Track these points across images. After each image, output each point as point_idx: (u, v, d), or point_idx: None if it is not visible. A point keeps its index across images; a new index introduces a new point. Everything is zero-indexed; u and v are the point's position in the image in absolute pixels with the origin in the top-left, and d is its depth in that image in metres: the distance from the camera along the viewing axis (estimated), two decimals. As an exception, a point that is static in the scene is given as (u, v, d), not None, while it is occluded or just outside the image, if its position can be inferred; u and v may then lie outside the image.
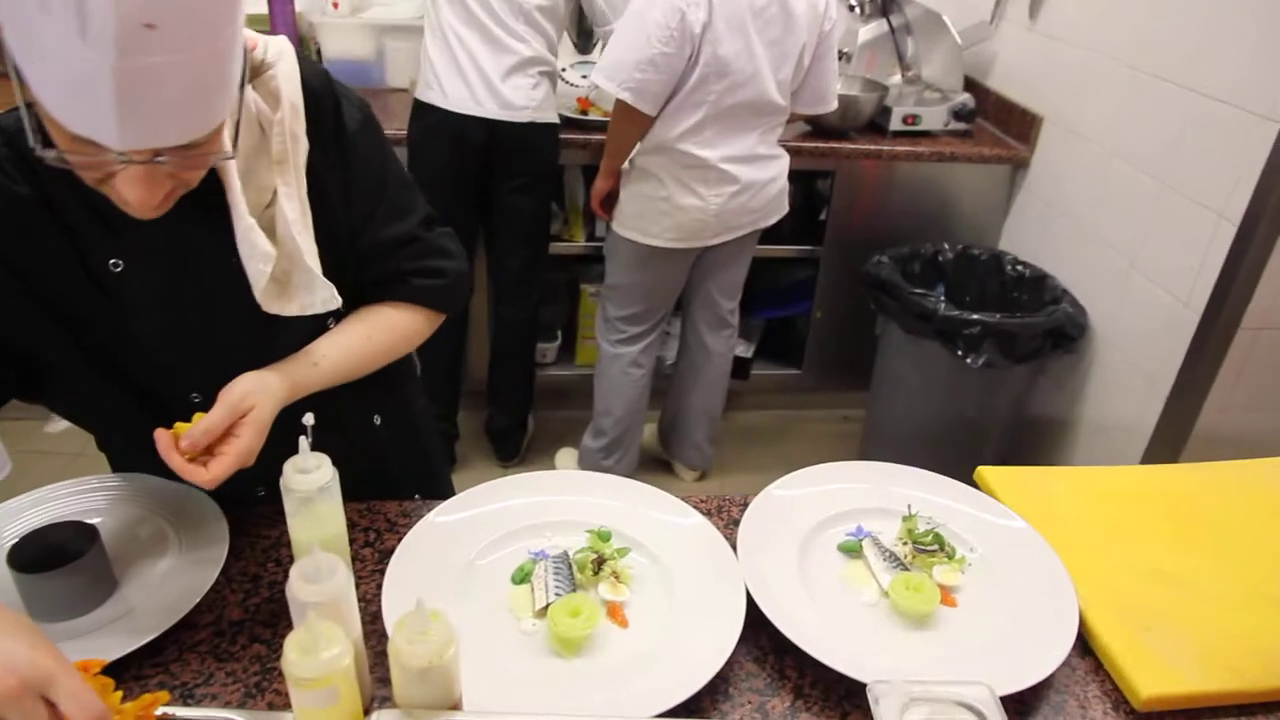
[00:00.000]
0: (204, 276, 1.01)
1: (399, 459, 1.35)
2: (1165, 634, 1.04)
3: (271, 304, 1.00)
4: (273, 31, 2.98)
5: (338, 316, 1.13)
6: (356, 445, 1.17)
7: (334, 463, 0.96)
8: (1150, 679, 0.98)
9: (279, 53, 0.99)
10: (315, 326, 1.09)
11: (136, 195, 0.83)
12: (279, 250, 0.99)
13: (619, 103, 2.23)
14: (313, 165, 1.02)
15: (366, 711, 0.87)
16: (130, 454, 1.13)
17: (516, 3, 2.36)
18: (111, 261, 0.97)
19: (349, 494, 1.00)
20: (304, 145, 1.01)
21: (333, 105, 1.05)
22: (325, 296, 1.03)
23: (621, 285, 2.60)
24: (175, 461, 0.92)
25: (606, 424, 2.73)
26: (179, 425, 0.93)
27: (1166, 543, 1.20)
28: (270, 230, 0.99)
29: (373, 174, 1.12)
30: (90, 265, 0.97)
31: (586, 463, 2.81)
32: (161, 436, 0.92)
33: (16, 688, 0.71)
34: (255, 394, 0.97)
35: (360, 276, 1.14)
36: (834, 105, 2.44)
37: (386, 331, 1.16)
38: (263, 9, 2.98)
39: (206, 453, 0.94)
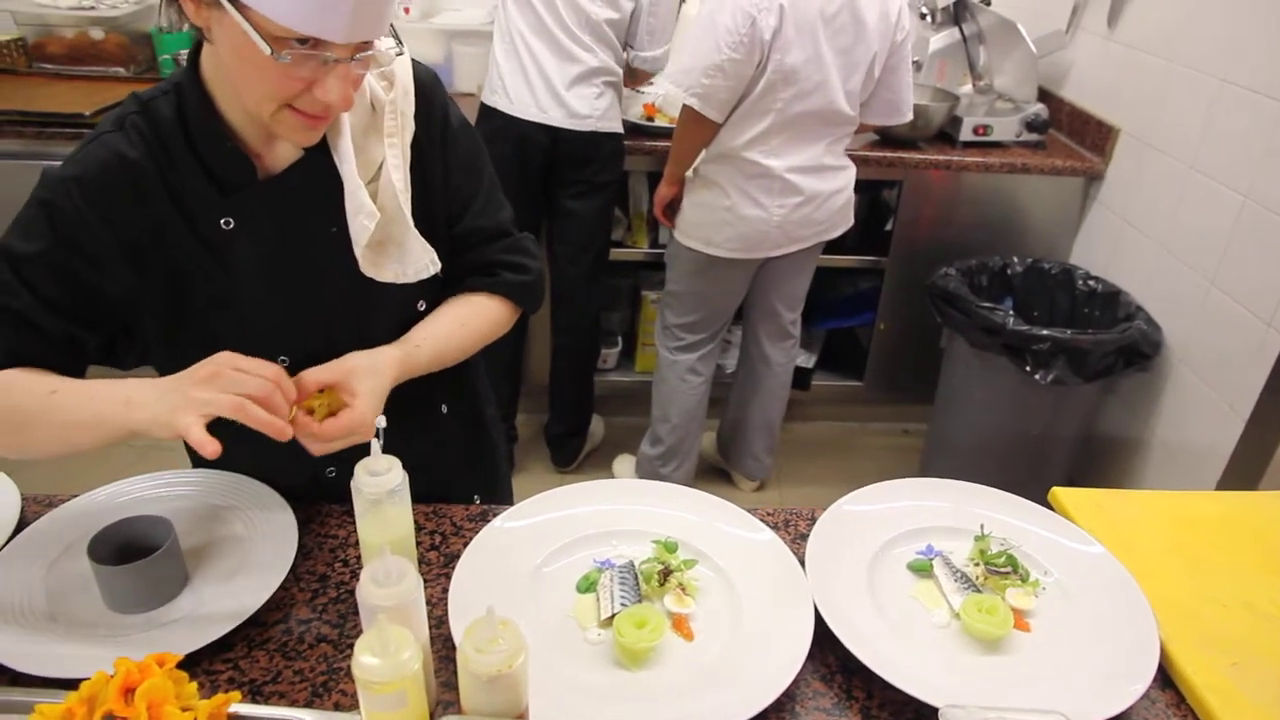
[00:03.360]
0: (306, 242, 1.07)
1: (462, 449, 1.36)
2: (1254, 670, 1.00)
3: (368, 267, 1.08)
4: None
5: (429, 304, 1.17)
6: (421, 431, 1.23)
7: (396, 448, 0.98)
8: (1239, 717, 0.94)
9: (395, 49, 1.08)
10: (406, 304, 1.16)
11: (343, 91, 0.93)
12: (381, 216, 1.06)
13: (685, 109, 2.22)
14: (417, 147, 1.11)
15: (432, 716, 0.87)
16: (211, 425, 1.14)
17: (585, 14, 2.37)
18: (223, 220, 1.04)
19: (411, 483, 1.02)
20: (411, 126, 1.10)
21: (441, 99, 1.15)
22: (420, 265, 1.11)
23: (681, 293, 2.59)
24: (291, 415, 0.96)
25: (663, 431, 2.72)
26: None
27: (1253, 574, 1.15)
28: (373, 200, 1.07)
29: (473, 166, 1.20)
30: (200, 227, 1.04)
31: (643, 470, 2.80)
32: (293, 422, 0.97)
33: (216, 368, 0.90)
34: (368, 368, 1.02)
35: (454, 263, 1.19)
36: (909, 116, 2.40)
37: (479, 319, 1.21)
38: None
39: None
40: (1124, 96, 2.71)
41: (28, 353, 1.02)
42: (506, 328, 1.26)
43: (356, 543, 1.13)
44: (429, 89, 1.13)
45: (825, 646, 1.00)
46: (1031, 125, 2.85)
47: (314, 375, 1.01)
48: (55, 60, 3.01)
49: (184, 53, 2.99)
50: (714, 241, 2.40)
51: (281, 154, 1.06)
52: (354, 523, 1.05)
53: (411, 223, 1.10)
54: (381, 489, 0.98)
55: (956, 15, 2.98)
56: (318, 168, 1.05)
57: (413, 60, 1.12)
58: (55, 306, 1.01)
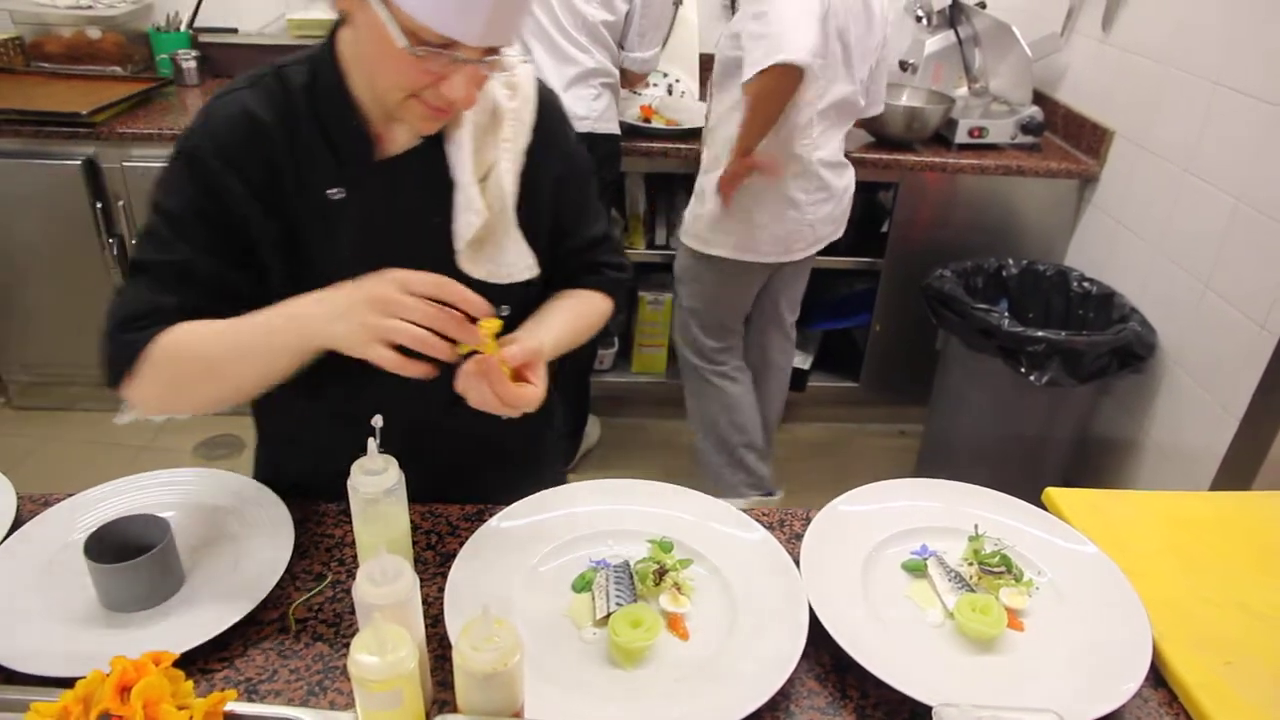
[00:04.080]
0: (408, 226, 1.11)
1: (532, 438, 1.35)
2: (1248, 669, 1.01)
3: (466, 263, 1.11)
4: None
5: (513, 310, 1.17)
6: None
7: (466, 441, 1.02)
8: (1231, 715, 0.94)
9: (520, 58, 1.13)
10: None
11: (468, 90, 0.98)
12: (487, 215, 1.10)
13: (766, 79, 2.04)
14: (530, 155, 1.15)
15: (427, 715, 0.87)
16: (281, 402, 1.15)
17: (582, 16, 2.38)
18: (334, 190, 1.07)
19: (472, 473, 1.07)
20: (528, 135, 1.15)
21: (559, 115, 1.21)
22: (516, 268, 1.14)
23: (706, 308, 2.51)
24: (490, 370, 0.98)
25: (740, 441, 2.62)
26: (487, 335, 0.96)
27: (1246, 574, 1.16)
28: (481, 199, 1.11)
29: (587, 180, 1.28)
30: (312, 192, 1.07)
31: (749, 488, 2.68)
32: (480, 361, 0.98)
33: (387, 289, 0.91)
34: (538, 348, 1.04)
35: (562, 267, 1.24)
36: (882, 108, 2.44)
37: (591, 315, 1.26)
38: (333, 14, 3.02)
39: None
40: (1118, 99, 2.72)
41: (193, 304, 1.03)
42: (603, 325, 1.30)
43: (353, 542, 1.13)
44: (551, 104, 1.19)
45: (820, 645, 1.00)
46: (1026, 128, 2.86)
47: (521, 352, 1.02)
48: (53, 59, 3.01)
49: (181, 52, 3.01)
50: (750, 246, 2.35)
51: (399, 138, 1.10)
52: (350, 522, 1.05)
53: (515, 226, 1.14)
54: (378, 488, 0.98)
55: (952, 18, 2.99)
56: (431, 158, 1.09)
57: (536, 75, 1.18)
58: (211, 250, 1.05)
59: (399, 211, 1.10)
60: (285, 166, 1.05)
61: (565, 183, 1.21)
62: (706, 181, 2.36)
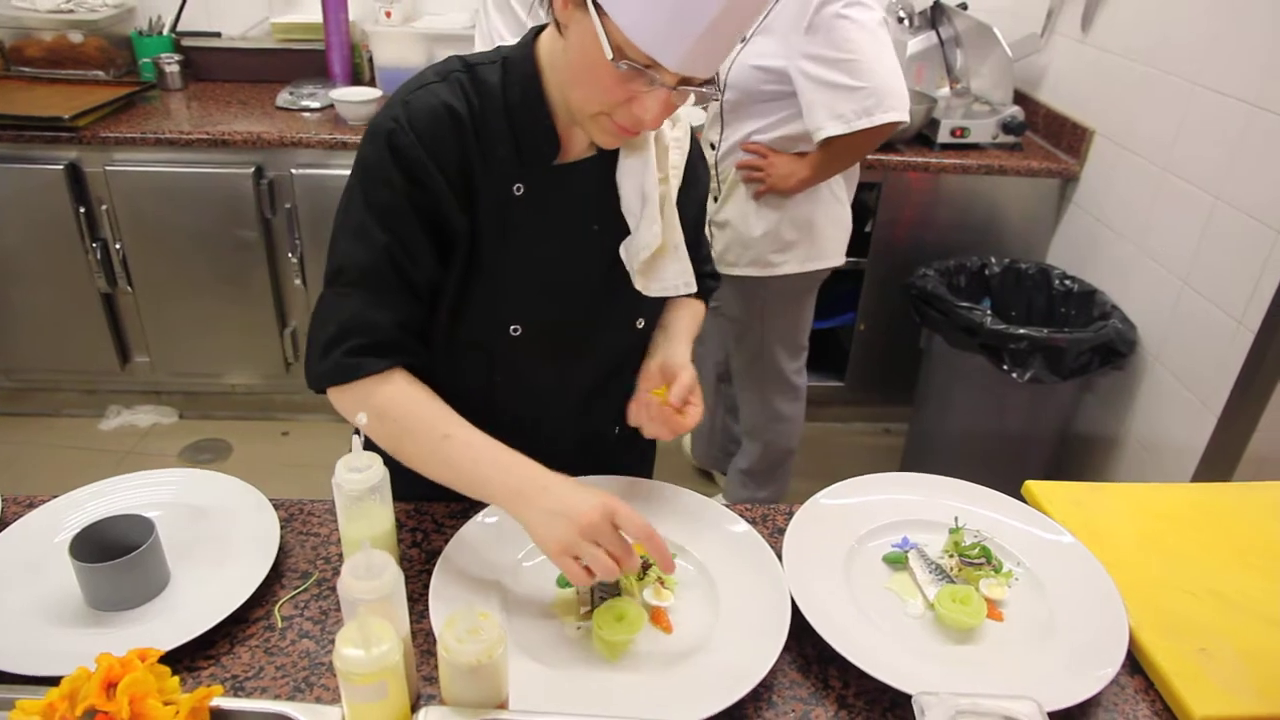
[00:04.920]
0: (572, 230, 1.15)
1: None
2: (1221, 656, 1.02)
3: (638, 279, 1.17)
4: (326, 39, 3.03)
5: (646, 322, 1.26)
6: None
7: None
8: (1205, 700, 0.96)
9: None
10: (630, 315, 1.24)
11: (655, 115, 1.01)
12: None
13: (869, 135, 2.02)
14: (684, 177, 1.23)
15: (414, 708, 0.88)
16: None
17: None
18: (515, 185, 1.10)
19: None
20: (683, 162, 1.21)
21: (695, 140, 1.26)
22: (670, 285, 1.20)
23: (793, 327, 2.41)
24: (666, 415, 1.14)
25: (785, 458, 2.64)
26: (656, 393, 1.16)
27: (1222, 563, 1.18)
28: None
29: (705, 197, 1.34)
30: (496, 187, 1.10)
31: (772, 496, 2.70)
32: (651, 401, 1.16)
33: (600, 520, 0.95)
34: (691, 382, 1.17)
35: None
36: None
37: (700, 321, 1.36)
38: (317, 18, 3.03)
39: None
40: (1098, 99, 2.75)
41: (404, 317, 1.08)
42: None
43: (339, 540, 1.14)
44: (694, 131, 1.25)
45: (802, 637, 1.01)
46: (1008, 127, 2.89)
47: (685, 388, 1.17)
48: (34, 63, 3.00)
49: (164, 56, 3.01)
50: (816, 255, 2.28)
51: (577, 146, 1.14)
52: (336, 520, 1.06)
53: (683, 244, 1.20)
54: (363, 486, 0.99)
55: (934, 19, 3.01)
56: (601, 170, 1.15)
57: None
58: (424, 247, 1.08)
59: (566, 216, 1.14)
60: (475, 161, 1.08)
61: (699, 203, 1.29)
62: (733, 211, 2.24)
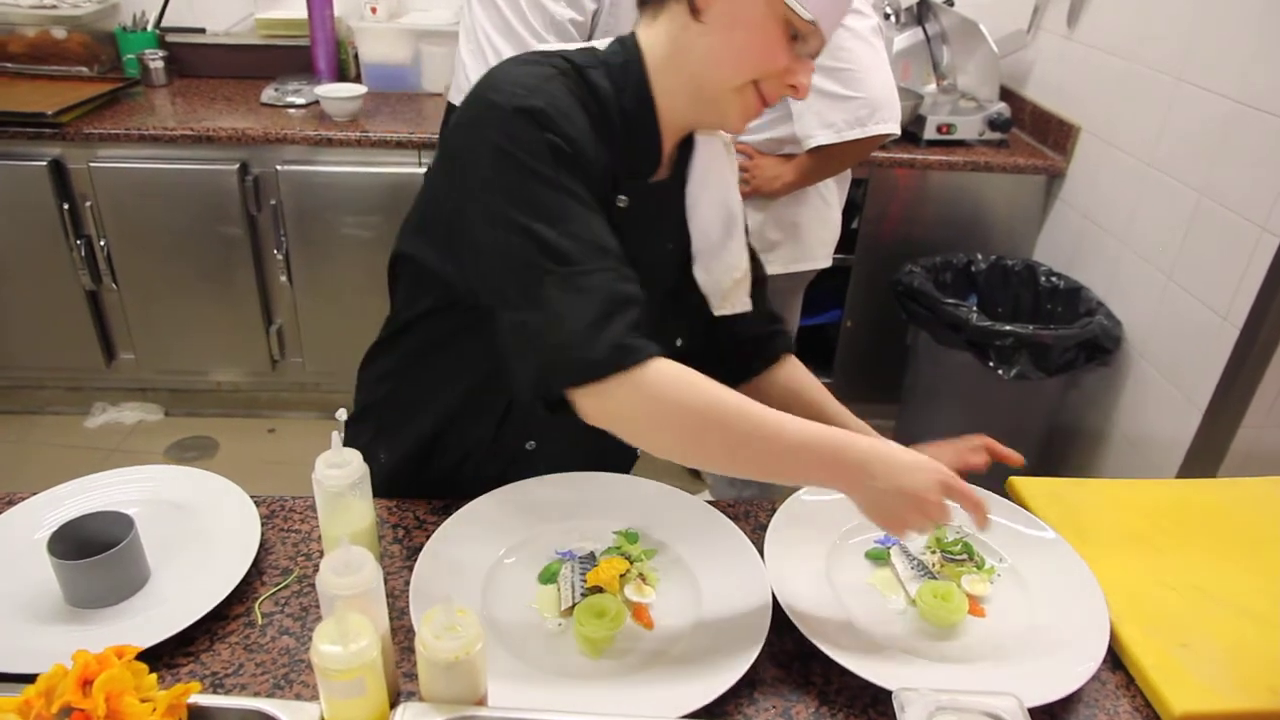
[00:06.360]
0: (651, 245, 1.13)
1: None
2: (1202, 651, 1.03)
3: (720, 303, 1.20)
4: (311, 35, 3.02)
5: (684, 342, 1.24)
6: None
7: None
8: (1185, 696, 0.96)
9: None
10: (678, 332, 1.23)
11: (808, 81, 1.02)
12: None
13: (861, 144, 2.04)
14: None
15: (393, 705, 0.87)
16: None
17: (549, 13, 2.37)
18: (620, 197, 1.07)
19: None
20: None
21: None
22: (744, 299, 1.22)
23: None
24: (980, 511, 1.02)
25: None
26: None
27: (1204, 558, 1.18)
28: None
29: None
30: (607, 196, 1.06)
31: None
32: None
33: (940, 497, 0.96)
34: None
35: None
36: None
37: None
38: (302, 14, 3.02)
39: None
40: (1084, 95, 2.76)
41: (641, 318, 0.97)
42: None
43: (319, 537, 1.13)
44: None
45: (783, 633, 1.01)
46: (994, 124, 2.89)
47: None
48: (16, 59, 2.97)
49: (148, 52, 2.99)
50: (801, 255, 2.29)
51: (664, 164, 1.13)
52: (317, 517, 1.05)
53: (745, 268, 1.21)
54: (343, 482, 0.99)
55: (920, 15, 3.01)
56: (678, 189, 1.15)
57: None
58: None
59: (651, 234, 1.13)
60: (594, 167, 1.01)
61: None
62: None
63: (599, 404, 0.94)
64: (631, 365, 0.92)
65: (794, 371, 1.34)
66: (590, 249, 0.95)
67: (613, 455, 1.27)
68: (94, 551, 0.99)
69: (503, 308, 0.97)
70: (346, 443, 1.00)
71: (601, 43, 1.10)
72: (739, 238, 1.18)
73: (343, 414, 0.99)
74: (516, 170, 0.95)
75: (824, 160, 2.09)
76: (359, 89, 2.84)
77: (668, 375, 0.93)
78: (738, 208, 1.18)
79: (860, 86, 1.96)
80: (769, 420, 0.94)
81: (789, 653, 1.02)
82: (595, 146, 1.00)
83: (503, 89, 0.97)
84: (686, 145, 1.15)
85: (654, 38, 1.06)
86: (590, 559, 1.08)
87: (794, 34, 0.98)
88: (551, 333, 0.93)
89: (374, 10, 3.05)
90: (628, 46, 1.07)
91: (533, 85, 0.97)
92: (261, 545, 1.10)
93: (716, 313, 1.20)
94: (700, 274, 1.17)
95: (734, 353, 1.31)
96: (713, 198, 1.15)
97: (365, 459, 1.01)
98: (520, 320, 0.95)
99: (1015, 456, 1.23)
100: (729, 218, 1.17)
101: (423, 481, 1.23)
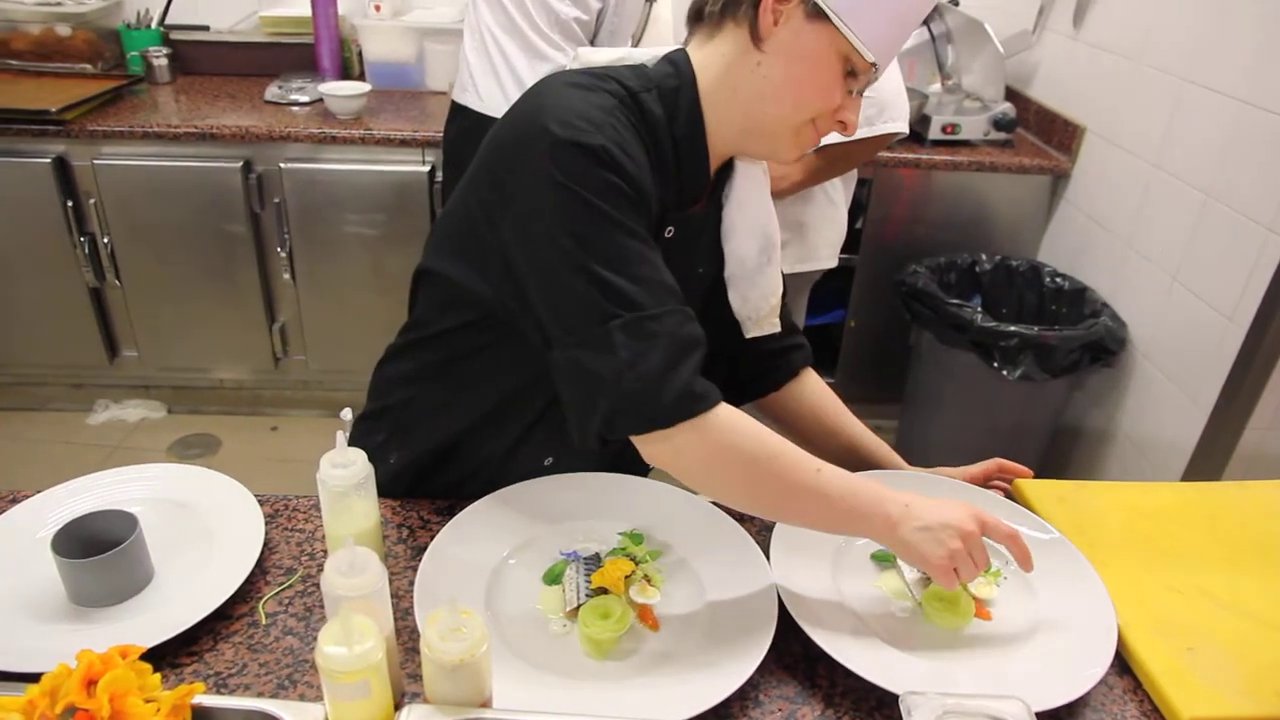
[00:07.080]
0: (687, 270, 1.11)
1: None
2: (1210, 656, 1.02)
3: (753, 327, 1.22)
4: (315, 33, 3.02)
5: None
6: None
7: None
8: (1193, 701, 0.96)
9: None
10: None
11: (856, 119, 1.03)
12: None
13: (871, 143, 2.08)
14: None
15: (397, 707, 0.87)
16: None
17: (555, 13, 2.37)
18: (668, 228, 1.07)
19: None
20: None
21: None
22: (775, 321, 1.23)
23: None
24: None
25: None
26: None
27: (1211, 562, 1.18)
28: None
29: None
30: (656, 226, 1.04)
31: None
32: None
33: (976, 531, 0.98)
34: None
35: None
36: None
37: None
38: (306, 11, 3.02)
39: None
40: (1089, 96, 2.75)
41: (704, 358, 0.98)
42: None
43: (324, 536, 1.13)
44: None
45: (789, 635, 1.01)
46: (999, 124, 2.88)
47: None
48: (21, 56, 2.97)
49: (152, 49, 2.99)
50: (807, 255, 2.29)
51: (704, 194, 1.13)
52: (321, 516, 1.05)
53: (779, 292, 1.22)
54: (347, 482, 0.98)
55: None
56: (715, 219, 1.15)
57: None
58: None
59: (688, 262, 1.12)
60: (648, 197, 0.99)
61: None
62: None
63: (664, 449, 0.96)
64: (705, 410, 0.94)
65: (815, 387, 1.34)
66: (655, 291, 0.95)
67: (629, 470, 1.26)
68: (98, 550, 0.99)
69: (562, 348, 0.96)
70: (356, 442, 1.00)
71: (649, 57, 1.06)
72: (776, 263, 1.17)
73: (348, 413, 0.99)
74: (579, 209, 0.93)
75: (832, 159, 2.09)
76: (363, 87, 2.83)
77: (730, 423, 0.96)
78: (775, 234, 1.16)
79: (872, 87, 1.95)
80: (826, 471, 0.99)
81: (794, 655, 1.01)
82: (650, 181, 0.99)
83: (561, 118, 0.93)
84: (723, 168, 1.14)
85: (708, 61, 1.03)
86: (595, 560, 1.08)
87: (849, 70, 0.98)
88: (620, 380, 0.92)
89: (378, 8, 3.04)
90: (680, 69, 1.03)
91: (596, 120, 0.94)
92: (265, 544, 1.10)
93: (748, 335, 1.20)
94: (736, 300, 1.17)
95: (755, 366, 1.30)
96: (750, 225, 1.14)
97: (374, 460, 1.01)
98: (584, 364, 0.94)
99: (1025, 471, 1.28)
100: (767, 244, 1.16)
101: (431, 487, 1.22)
